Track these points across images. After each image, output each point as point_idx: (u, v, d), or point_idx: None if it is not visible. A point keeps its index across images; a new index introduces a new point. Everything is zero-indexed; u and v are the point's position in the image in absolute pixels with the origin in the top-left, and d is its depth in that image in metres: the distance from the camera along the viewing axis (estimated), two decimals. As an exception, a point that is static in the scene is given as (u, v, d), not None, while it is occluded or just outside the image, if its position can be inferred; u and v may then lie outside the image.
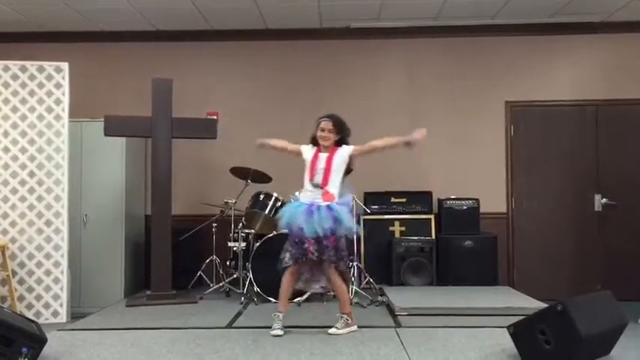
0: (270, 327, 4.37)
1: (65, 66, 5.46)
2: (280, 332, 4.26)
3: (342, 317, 4.39)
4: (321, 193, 4.35)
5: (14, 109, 5.37)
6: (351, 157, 4.45)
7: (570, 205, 6.52)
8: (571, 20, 6.42)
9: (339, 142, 4.47)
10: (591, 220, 6.50)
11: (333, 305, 5.31)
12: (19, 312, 4.87)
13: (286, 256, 4.39)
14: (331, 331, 4.32)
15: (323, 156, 4.44)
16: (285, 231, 4.57)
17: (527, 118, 6.63)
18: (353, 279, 5.52)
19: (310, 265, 4.40)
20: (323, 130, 4.44)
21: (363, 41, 6.73)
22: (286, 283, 4.42)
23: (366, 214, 6.26)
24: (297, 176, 6.13)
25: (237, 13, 6.18)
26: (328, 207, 4.28)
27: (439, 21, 6.44)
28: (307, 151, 4.53)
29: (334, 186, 4.37)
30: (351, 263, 5.81)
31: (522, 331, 3.58)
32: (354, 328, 4.40)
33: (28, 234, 5.31)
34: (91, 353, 3.87)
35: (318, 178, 4.38)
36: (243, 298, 5.47)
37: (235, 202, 5.89)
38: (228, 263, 5.98)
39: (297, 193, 4.95)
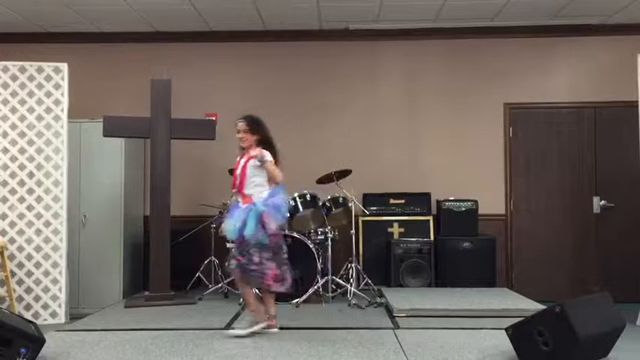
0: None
1: (64, 67, 5.46)
2: (240, 332, 4.24)
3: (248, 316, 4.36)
4: (240, 197, 4.33)
5: (13, 110, 5.37)
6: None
7: (569, 206, 6.53)
8: (569, 22, 6.43)
9: (262, 142, 4.40)
10: (589, 222, 6.51)
11: (331, 307, 5.34)
12: (17, 313, 4.87)
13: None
14: (234, 331, 4.28)
15: (241, 162, 4.39)
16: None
17: (526, 120, 6.64)
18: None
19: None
20: (239, 131, 4.40)
21: (362, 43, 6.74)
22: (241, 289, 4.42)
23: (365, 215, 6.28)
24: (296, 177, 6.18)
25: (236, 14, 6.19)
26: (245, 208, 4.23)
27: (438, 23, 6.45)
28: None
29: (252, 187, 4.29)
30: (350, 266, 5.83)
31: (520, 333, 3.59)
32: (260, 326, 4.30)
33: (26, 235, 5.31)
34: (89, 354, 3.87)
35: (237, 186, 4.35)
36: (241, 299, 5.46)
37: (234, 203, 5.88)
38: (226, 264, 5.97)
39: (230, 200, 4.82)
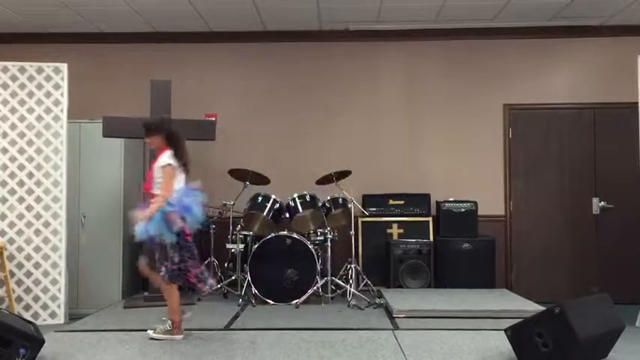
0: (267, 329, 4.42)
1: (64, 67, 5.45)
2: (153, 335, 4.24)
3: (165, 321, 4.27)
4: (150, 197, 4.30)
5: (13, 110, 5.36)
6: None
7: (568, 208, 6.53)
8: (570, 24, 6.43)
9: (169, 140, 4.34)
10: (589, 223, 6.50)
11: (330, 307, 5.34)
12: (16, 313, 4.87)
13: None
14: (149, 331, 4.26)
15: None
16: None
17: (525, 121, 6.64)
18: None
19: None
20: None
21: (362, 43, 6.73)
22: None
23: (364, 215, 6.28)
24: (296, 178, 6.21)
25: (236, 15, 6.19)
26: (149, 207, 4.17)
27: (438, 23, 6.45)
28: None
29: (158, 187, 4.24)
30: (350, 266, 5.83)
31: (520, 334, 3.59)
32: (178, 337, 4.21)
33: (26, 235, 5.30)
34: (88, 355, 3.87)
35: (146, 186, 4.37)
36: (241, 299, 5.47)
37: (234, 204, 5.88)
38: (226, 265, 5.98)
39: None
